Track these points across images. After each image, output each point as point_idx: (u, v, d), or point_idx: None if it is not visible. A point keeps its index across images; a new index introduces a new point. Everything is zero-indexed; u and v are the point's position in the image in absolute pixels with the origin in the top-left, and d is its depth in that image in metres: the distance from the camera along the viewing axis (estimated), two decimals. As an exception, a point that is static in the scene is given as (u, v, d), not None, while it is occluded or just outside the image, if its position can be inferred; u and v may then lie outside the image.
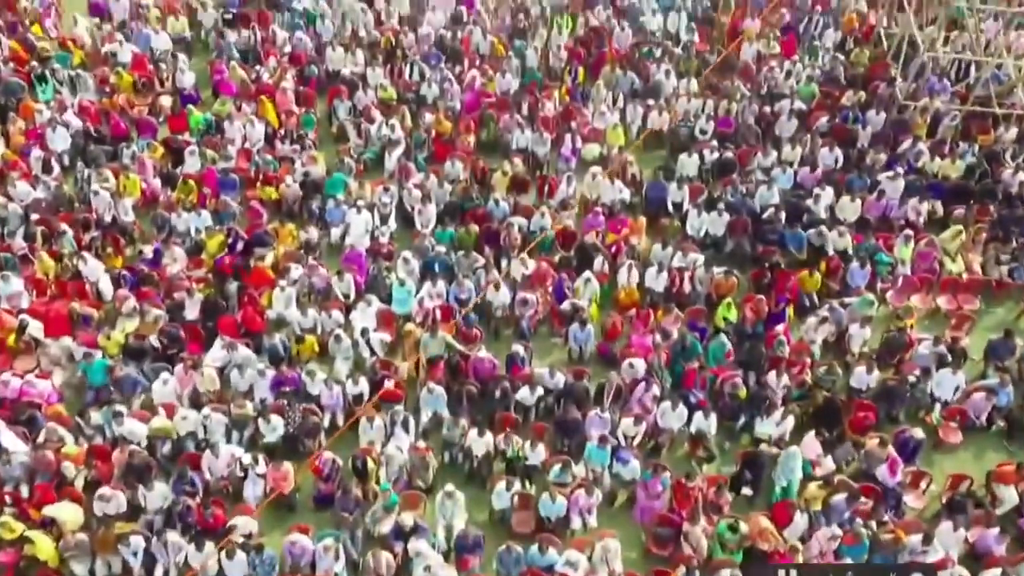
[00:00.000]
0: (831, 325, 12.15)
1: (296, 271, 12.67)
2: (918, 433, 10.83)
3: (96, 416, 10.78)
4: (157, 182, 14.06)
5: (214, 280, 12.66)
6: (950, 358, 11.65)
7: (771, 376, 11.33)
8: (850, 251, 13.05)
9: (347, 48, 16.10)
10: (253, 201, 13.59)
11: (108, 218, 13.40)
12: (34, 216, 13.20)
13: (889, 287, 12.82)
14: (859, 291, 12.60)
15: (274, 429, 10.78)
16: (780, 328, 12.08)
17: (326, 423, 11.08)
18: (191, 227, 13.28)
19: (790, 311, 12.35)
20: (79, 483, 10.22)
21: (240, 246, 13.03)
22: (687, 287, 12.63)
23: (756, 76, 15.94)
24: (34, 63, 15.61)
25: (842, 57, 16.31)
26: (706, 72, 15.93)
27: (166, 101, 15.27)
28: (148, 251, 12.98)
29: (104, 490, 9.80)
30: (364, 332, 11.74)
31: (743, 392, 11.24)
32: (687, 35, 16.60)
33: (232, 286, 12.48)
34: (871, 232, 13.33)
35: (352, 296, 12.51)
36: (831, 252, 13.02)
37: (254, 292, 12.44)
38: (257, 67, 15.82)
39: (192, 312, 12.20)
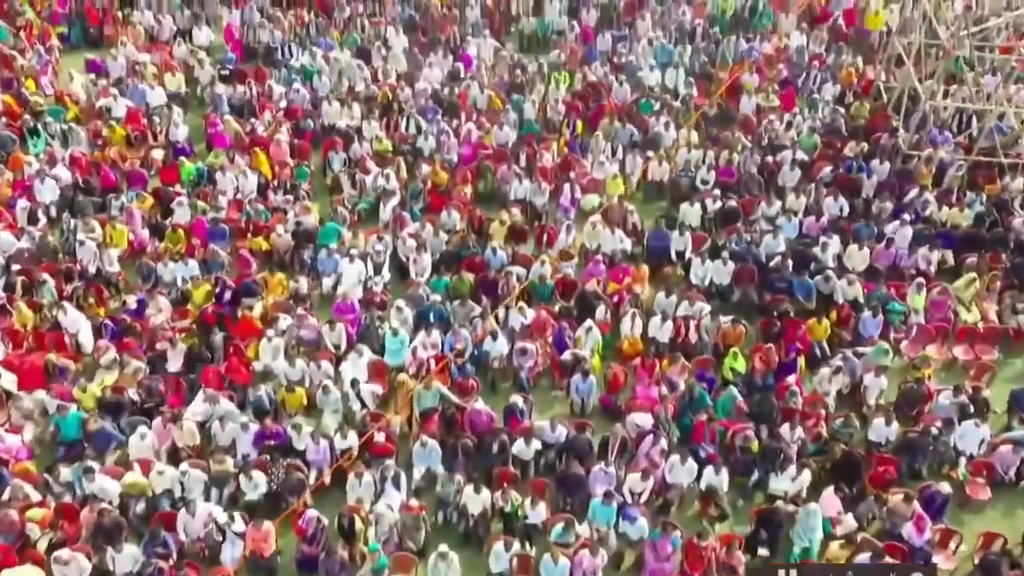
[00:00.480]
0: (845, 376, 11.57)
1: (285, 321, 12.16)
2: (944, 488, 10.12)
3: (66, 472, 10.09)
4: (145, 233, 13.67)
5: (199, 331, 12.15)
6: (972, 409, 11.06)
7: (784, 429, 10.69)
8: (861, 300, 12.59)
9: (343, 102, 15.98)
10: (243, 250, 13.17)
11: (93, 269, 12.97)
12: (15, 267, 12.78)
13: (903, 337, 12.29)
14: (872, 341, 12.06)
15: (256, 486, 10.08)
16: (792, 379, 11.49)
17: (312, 480, 10.39)
18: (177, 277, 12.82)
19: (801, 362, 11.79)
20: (42, 545, 9.46)
21: (227, 296, 12.55)
22: (693, 337, 12.11)
23: (756, 128, 15.78)
24: (27, 116, 15.44)
25: (842, 110, 16.19)
26: (701, 119, 15.78)
27: (158, 154, 15.06)
28: (132, 301, 12.51)
29: (62, 552, 9.00)
30: (354, 383, 11.15)
31: (755, 445, 10.59)
32: (685, 89, 16.52)
33: (217, 337, 11.95)
34: (882, 281, 12.87)
35: (343, 347, 11.95)
36: (841, 301, 12.55)
37: (240, 343, 11.91)
38: (252, 120, 15.67)
39: (175, 364, 11.64)
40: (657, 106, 16.15)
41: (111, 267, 13.04)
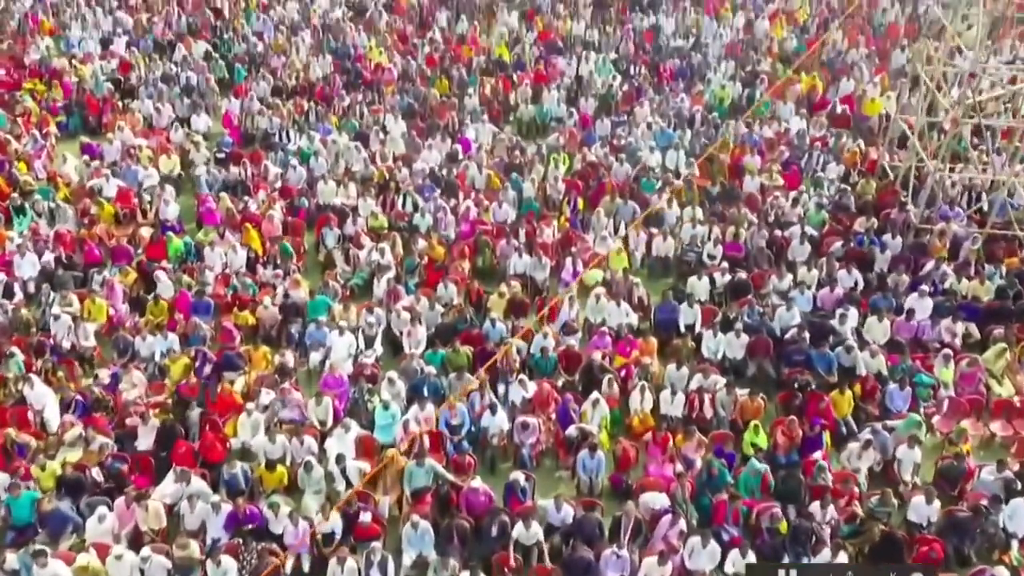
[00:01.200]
0: (876, 451, 10.62)
1: (267, 396, 11.30)
2: (1001, 573, 9.00)
3: (12, 559, 8.98)
4: (125, 308, 13.00)
5: (175, 407, 11.27)
6: (1020, 486, 10.06)
7: (815, 507, 9.69)
8: (885, 373, 11.78)
9: (339, 183, 15.69)
10: (227, 324, 12.44)
11: (67, 344, 12.23)
12: (-16, 341, 12.04)
13: (934, 411, 11.41)
14: (900, 415, 11.18)
15: (225, 573, 8.95)
16: (818, 455, 10.54)
17: (288, 567, 9.25)
18: (156, 351, 12.03)
19: (827, 437, 10.85)
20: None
21: (207, 370, 11.75)
22: (708, 411, 11.22)
23: (761, 205, 15.41)
24: (15, 195, 15.07)
25: (848, 188, 15.88)
26: (704, 197, 15.45)
27: (146, 232, 14.58)
28: (105, 376, 11.67)
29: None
30: (340, 459, 10.18)
31: (784, 526, 9.55)
32: (687, 169, 16.27)
33: (194, 413, 11.06)
34: (906, 353, 12.10)
35: (329, 423, 11.05)
36: (864, 373, 11.74)
37: (218, 419, 11.00)
38: (245, 198, 15.29)
39: (145, 441, 10.73)
40: (659, 184, 15.84)
41: (86, 342, 12.31)
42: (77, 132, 17.92)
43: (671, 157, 16.72)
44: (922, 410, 11.31)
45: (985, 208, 15.03)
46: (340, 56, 20.66)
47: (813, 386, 11.49)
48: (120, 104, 18.51)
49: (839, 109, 18.66)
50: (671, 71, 20.20)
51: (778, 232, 14.53)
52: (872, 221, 14.73)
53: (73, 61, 19.90)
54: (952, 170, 15.86)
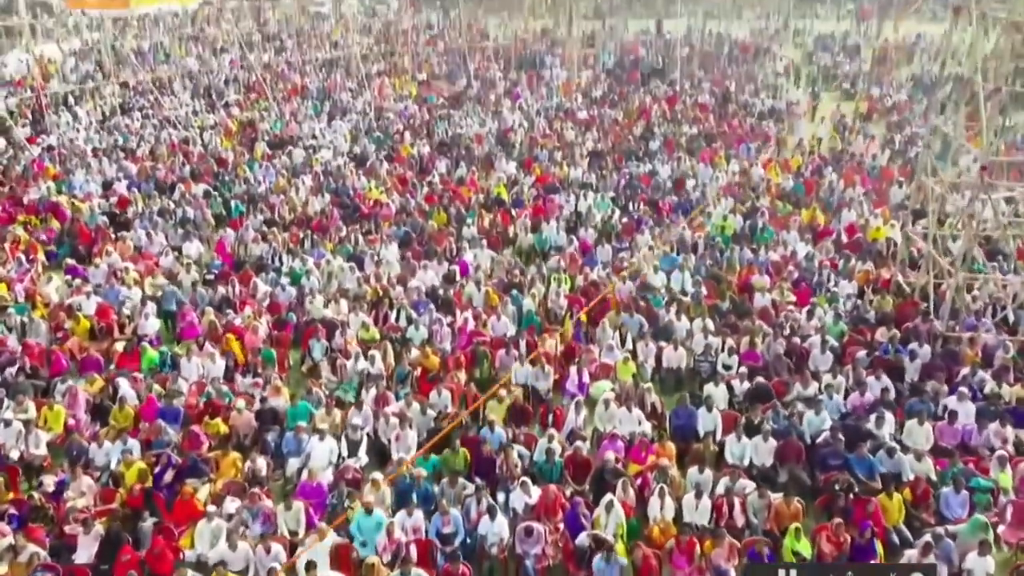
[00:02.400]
0: (941, 562, 9.05)
1: (233, 503, 9.86)
2: None
3: None
4: (86, 418, 11.80)
5: (127, 515, 9.80)
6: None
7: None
8: (933, 478, 10.42)
9: (330, 300, 14.97)
10: (195, 428, 11.19)
11: (15, 454, 10.92)
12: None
13: (996, 520, 9.92)
14: (959, 522, 9.72)
15: None
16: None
17: None
18: (112, 459, 10.71)
19: (879, 545, 9.33)
20: None
21: (169, 476, 10.36)
22: (739, 518, 9.74)
23: (776, 318, 14.58)
24: (-12, 310, 14.31)
25: (864, 303, 15.15)
26: (714, 313, 14.63)
27: (120, 346, 13.63)
28: (50, 482, 10.28)
29: None
30: (310, 567, 8.60)
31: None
32: (693, 288, 15.61)
33: (147, 523, 9.60)
34: (956, 456, 10.78)
35: (301, 532, 9.55)
36: (911, 478, 10.38)
37: (173, 528, 9.51)
38: (229, 312, 14.49)
39: (86, 552, 9.19)
40: (666, 298, 15.12)
41: (36, 450, 11.02)
42: (64, 261, 17.41)
43: (676, 278, 16.11)
44: (982, 518, 9.84)
45: (1011, 318, 14.21)
46: (339, 194, 20.69)
47: (856, 489, 10.10)
48: (112, 235, 18.18)
49: (844, 238, 18.36)
50: (670, 205, 20.16)
51: (796, 340, 13.60)
52: (894, 331, 13.85)
53: (73, 200, 19.87)
54: (970, 288, 15.24)
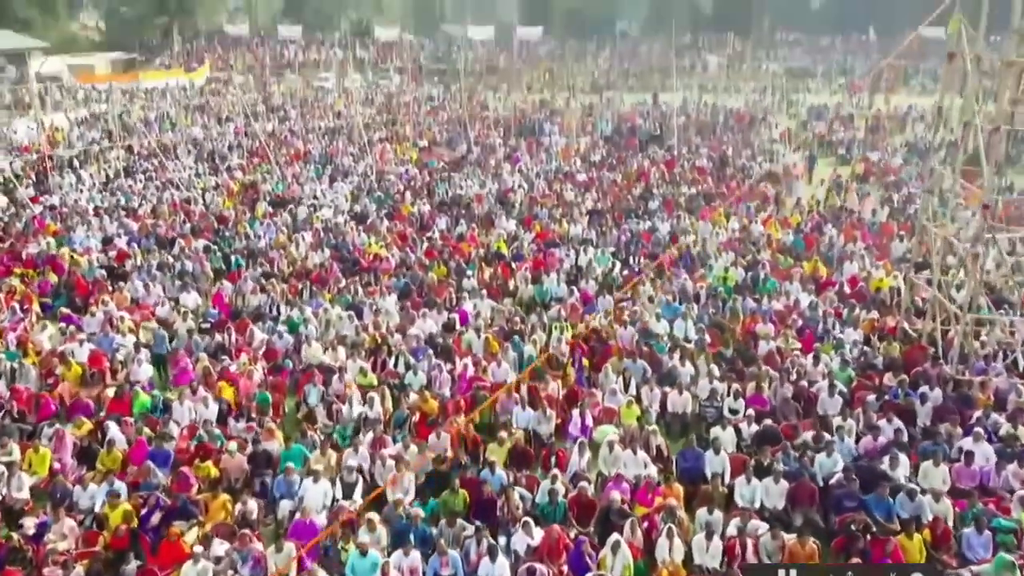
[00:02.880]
0: (967, 604, 8.60)
1: (221, 546, 9.41)
2: None
3: None
4: (72, 462, 11.40)
5: (109, 557, 9.34)
6: None
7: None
8: (951, 519, 9.99)
9: (327, 347, 14.72)
10: (185, 470, 10.79)
11: (-4, 497, 10.52)
12: None
13: (1022, 560, 9.45)
14: (981, 563, 9.27)
15: None
16: (895, 606, 8.50)
17: None
18: (97, 501, 10.29)
19: (902, 587, 8.85)
20: None
21: (155, 518, 9.93)
22: (751, 559, 9.28)
23: (781, 364, 14.29)
24: (-22, 356, 14.03)
25: (869, 350, 14.91)
26: (719, 360, 14.35)
27: (111, 392, 13.31)
28: (30, 525, 9.83)
29: None
30: (300, 608, 8.14)
31: None
32: (696, 335, 15.38)
33: (130, 566, 9.16)
34: (976, 497, 10.37)
35: (292, 575, 9.07)
36: (930, 519, 9.95)
37: (158, 571, 9.05)
38: (224, 358, 14.21)
39: (62, 596, 8.69)
40: (669, 345, 14.87)
41: (18, 493, 10.63)
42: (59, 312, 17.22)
43: (679, 326, 15.89)
44: (1007, 559, 9.38)
45: (1021, 362, 13.95)
46: (339, 249, 20.66)
47: (874, 530, 9.66)
48: (109, 287, 18.02)
49: (847, 288, 18.22)
50: (671, 259, 20.08)
51: (804, 384, 13.30)
52: (903, 376, 13.56)
53: (72, 254, 19.80)
54: (978, 335, 15.03)
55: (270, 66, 62.13)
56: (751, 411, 12.48)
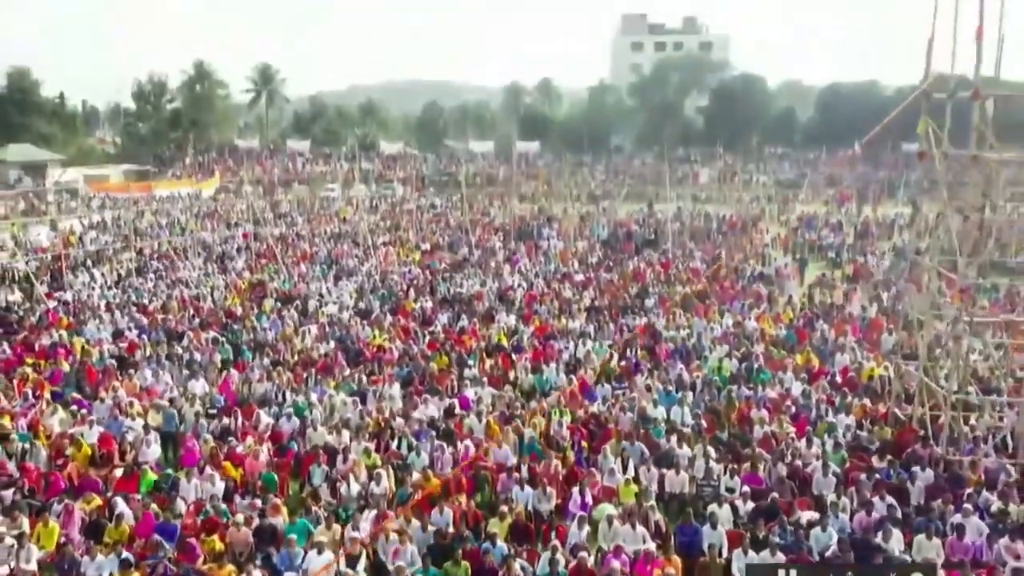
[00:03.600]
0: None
1: (225, 614, 9.55)
2: None
3: None
4: (80, 537, 11.58)
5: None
6: None
7: None
8: (948, 591, 10.16)
9: (332, 430, 15.07)
10: (191, 541, 10.98)
11: (4, 569, 10.67)
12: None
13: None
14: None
15: None
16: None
17: None
18: (104, 572, 10.45)
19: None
20: None
21: (161, 587, 10.08)
22: (750, 627, 9.40)
23: (776, 447, 14.60)
24: (-11, 435, 14.36)
25: (862, 433, 15.25)
26: (715, 444, 14.66)
27: (119, 472, 13.57)
28: (37, 595, 9.98)
29: None
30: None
31: None
32: (693, 420, 15.75)
33: (135, 634, 9.26)
34: (967, 567, 10.53)
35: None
36: (925, 590, 10.08)
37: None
38: (231, 440, 14.53)
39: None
40: (666, 428, 15.22)
41: (27, 565, 10.76)
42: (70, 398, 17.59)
43: (675, 412, 16.28)
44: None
45: (1010, 443, 14.30)
46: (343, 341, 21.23)
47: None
48: (119, 375, 18.47)
49: (839, 378, 18.70)
50: (667, 351, 20.62)
51: (799, 463, 13.59)
52: (894, 461, 13.88)
53: (84, 344, 20.35)
54: (967, 420, 15.43)
55: (278, 177, 64.45)
56: (747, 489, 12.72)
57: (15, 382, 17.41)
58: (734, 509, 12.35)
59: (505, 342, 21.51)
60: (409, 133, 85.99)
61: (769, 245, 38.98)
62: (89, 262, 31.19)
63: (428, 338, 21.82)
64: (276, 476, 13.27)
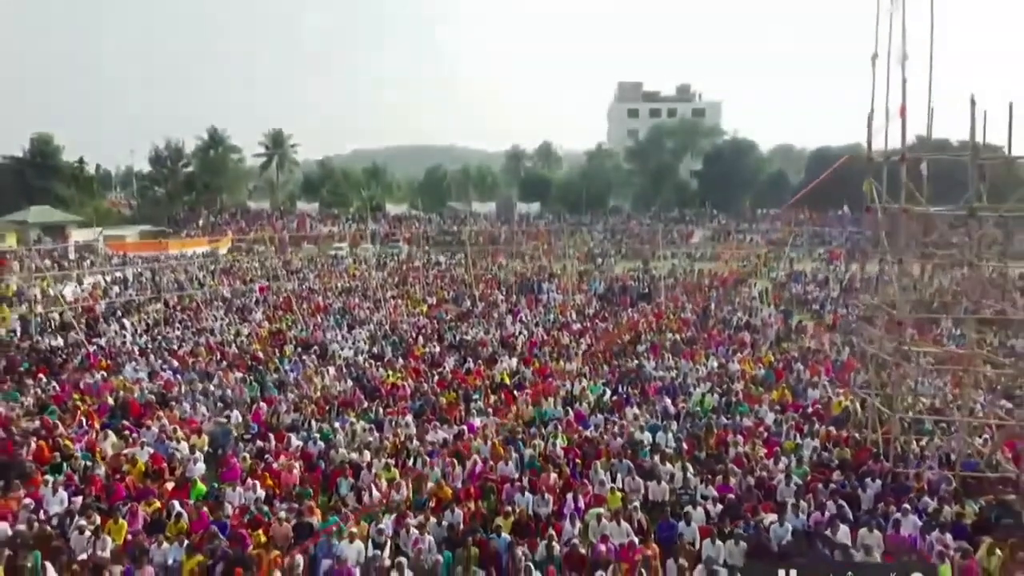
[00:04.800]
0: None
1: (275, 590, 11.43)
2: None
3: None
4: (144, 534, 13.47)
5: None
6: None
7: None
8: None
9: (355, 451, 17.03)
10: (241, 530, 12.90)
11: (83, 555, 12.56)
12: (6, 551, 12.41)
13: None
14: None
15: None
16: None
17: None
18: (170, 558, 12.35)
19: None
20: None
21: (220, 568, 11.96)
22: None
23: (748, 463, 16.54)
24: (56, 454, 16.32)
25: (825, 453, 17.19)
26: (694, 463, 16.59)
27: (171, 485, 15.50)
28: (117, 572, 11.86)
29: None
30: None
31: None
32: (675, 444, 17.71)
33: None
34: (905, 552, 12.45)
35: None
36: None
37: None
38: (267, 456, 16.48)
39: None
40: (648, 448, 17.18)
41: (103, 552, 12.64)
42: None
43: (660, 437, 18.25)
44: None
45: (953, 458, 16.25)
46: (359, 380, 23.28)
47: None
48: (159, 408, 20.47)
49: (810, 410, 20.69)
50: (655, 388, 22.64)
51: (765, 475, 15.53)
52: (850, 476, 15.82)
53: (125, 382, 22.40)
54: (919, 441, 17.41)
55: (289, 237, 67.12)
56: (718, 495, 14.63)
57: (69, 414, 19.39)
58: (706, 511, 14.26)
59: (508, 381, 23.54)
60: (414, 195, 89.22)
61: (757, 298, 41.20)
62: (119, 312, 33.36)
63: (437, 378, 23.85)
64: (310, 490, 15.15)
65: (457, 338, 30.00)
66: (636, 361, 26.17)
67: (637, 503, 14.37)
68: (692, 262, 56.28)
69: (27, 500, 13.93)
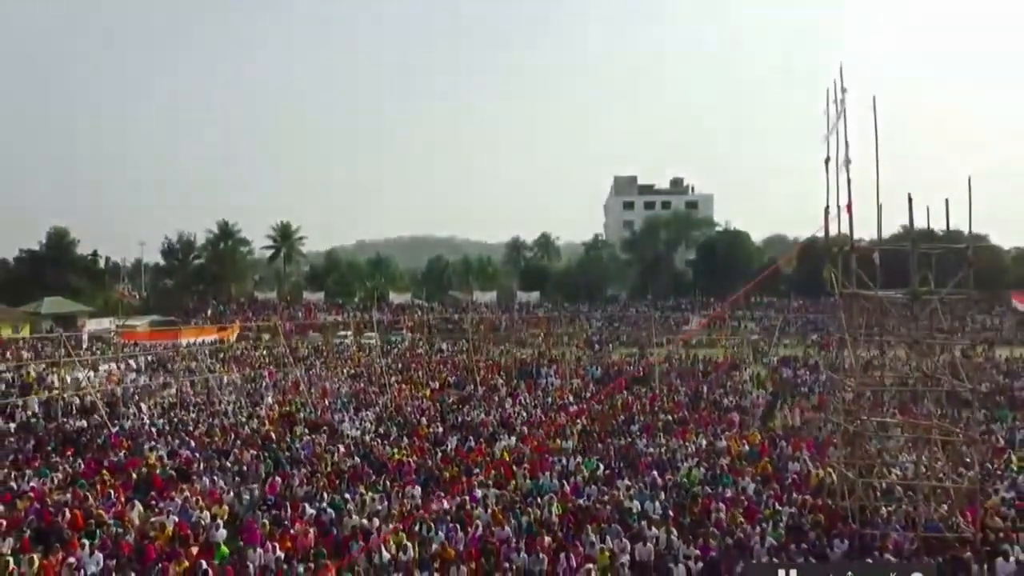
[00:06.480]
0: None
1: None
2: None
3: None
4: (174, 591, 14.82)
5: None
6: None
7: None
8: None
9: (365, 518, 18.39)
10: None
11: (119, 609, 13.90)
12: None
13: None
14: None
15: None
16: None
17: None
18: (200, 608, 13.67)
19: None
20: None
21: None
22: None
23: (727, 527, 17.89)
24: (90, 521, 17.70)
25: (801, 520, 18.54)
26: (678, 528, 17.96)
27: (195, 549, 16.84)
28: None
29: None
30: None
31: None
32: (662, 511, 19.07)
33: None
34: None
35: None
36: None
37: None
38: (285, 523, 17.85)
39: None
40: (639, 516, 18.53)
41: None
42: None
43: (648, 505, 19.61)
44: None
45: (916, 520, 17.63)
46: (366, 457, 24.69)
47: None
48: (180, 482, 21.86)
49: (788, 480, 22.07)
50: (645, 463, 24.03)
51: (743, 536, 16.87)
52: (822, 535, 17.17)
53: (146, 460, 23.83)
54: (888, 507, 18.81)
55: (295, 326, 69.06)
56: (699, 553, 15.98)
57: (97, 487, 20.80)
58: (688, 568, 15.58)
59: (507, 457, 24.92)
60: (416, 285, 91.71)
61: (748, 381, 42.69)
62: (136, 397, 34.93)
63: (440, 455, 25.25)
64: (325, 552, 16.49)
65: (459, 419, 31.44)
66: (629, 439, 27.57)
67: (625, 561, 15.68)
68: (689, 348, 57.91)
69: (71, 559, 15.30)
